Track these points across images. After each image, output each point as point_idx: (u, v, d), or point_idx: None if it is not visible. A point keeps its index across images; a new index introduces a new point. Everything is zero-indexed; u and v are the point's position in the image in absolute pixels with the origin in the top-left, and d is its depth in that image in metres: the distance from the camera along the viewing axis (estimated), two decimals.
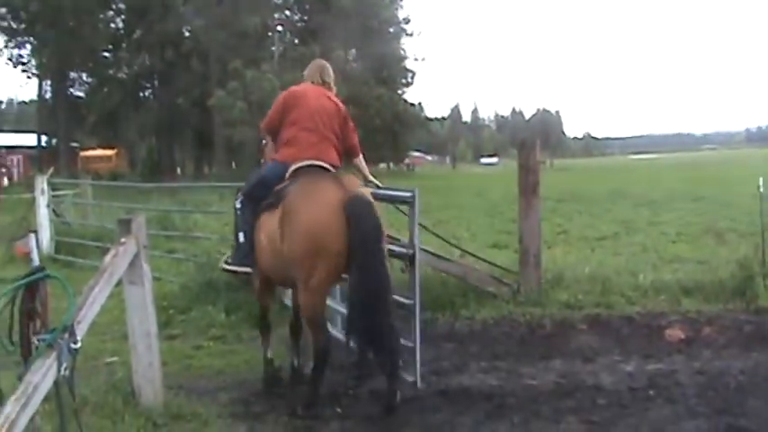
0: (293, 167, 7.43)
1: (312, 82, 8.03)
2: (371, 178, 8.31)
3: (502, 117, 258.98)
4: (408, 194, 7.63)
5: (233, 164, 73.52)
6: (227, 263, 8.06)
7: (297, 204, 6.89)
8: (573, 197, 35.34)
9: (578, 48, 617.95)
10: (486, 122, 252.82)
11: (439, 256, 10.83)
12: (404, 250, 7.81)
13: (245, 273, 7.90)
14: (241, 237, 7.74)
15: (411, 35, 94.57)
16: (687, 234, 19.05)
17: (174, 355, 9.06)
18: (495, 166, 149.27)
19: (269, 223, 7.28)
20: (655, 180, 52.13)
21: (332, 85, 8.11)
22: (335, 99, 7.91)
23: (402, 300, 7.71)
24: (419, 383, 7.47)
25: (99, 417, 6.25)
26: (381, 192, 8.10)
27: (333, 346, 7.27)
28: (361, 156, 8.26)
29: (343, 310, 8.53)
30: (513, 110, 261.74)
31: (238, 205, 7.84)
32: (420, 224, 12.16)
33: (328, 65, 8.28)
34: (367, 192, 7.22)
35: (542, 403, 7.07)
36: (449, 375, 8.01)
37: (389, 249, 7.40)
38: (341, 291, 9.01)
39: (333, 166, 7.53)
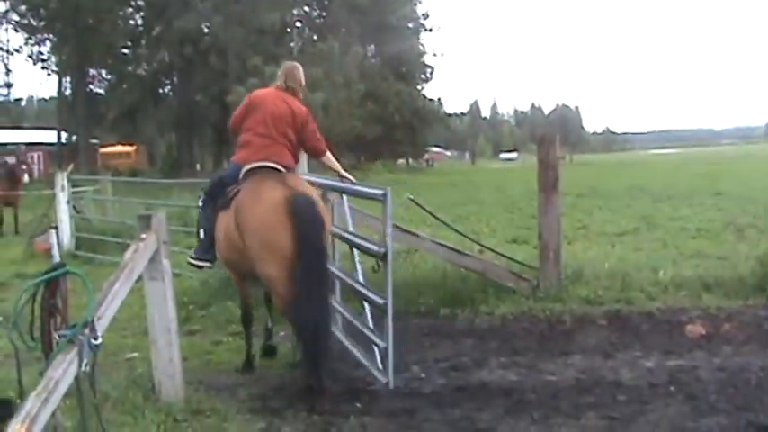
0: (245, 168, 7.93)
1: (277, 86, 8.38)
2: (344, 173, 8.71)
3: (521, 113, 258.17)
4: (380, 192, 7.63)
5: None
6: (191, 257, 8.67)
7: (245, 203, 7.43)
8: (592, 192, 35.23)
9: (598, 43, 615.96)
10: (506, 118, 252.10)
11: (458, 252, 10.85)
12: (375, 248, 7.86)
13: (207, 267, 8.66)
14: (202, 233, 8.43)
15: (430, 31, 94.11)
16: (707, 230, 18.94)
17: (194, 350, 9.10)
18: (515, 161, 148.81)
19: (225, 221, 7.88)
20: (674, 175, 51.94)
21: (296, 89, 8.40)
22: (294, 104, 8.23)
23: (376, 299, 7.78)
24: (391, 384, 7.43)
25: (119, 412, 6.28)
26: (353, 188, 8.50)
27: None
28: (328, 153, 8.63)
29: (344, 310, 8.67)
30: (533, 105, 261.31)
31: (200, 204, 8.62)
32: (439, 219, 12.29)
33: (297, 69, 8.53)
34: (311, 190, 7.67)
35: (562, 399, 7.05)
36: (468, 371, 7.99)
37: (364, 246, 8.04)
38: (341, 290, 9.08)
39: (284, 167, 7.93)
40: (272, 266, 7.14)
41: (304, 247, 7.07)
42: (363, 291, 8.08)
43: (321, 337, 7.14)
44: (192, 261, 8.61)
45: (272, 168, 7.83)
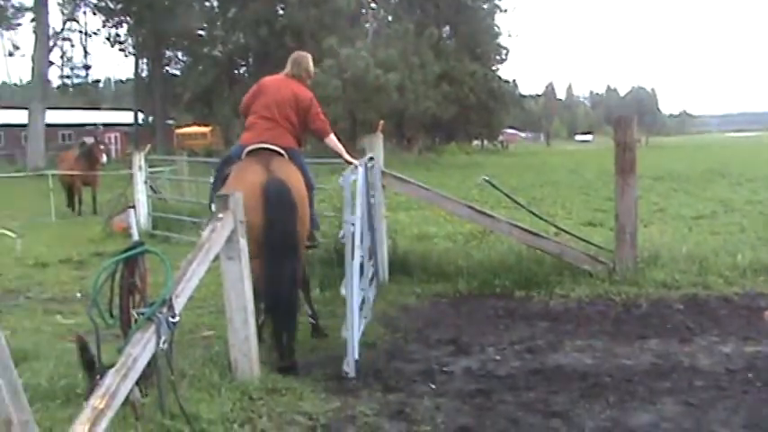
0: (247, 149, 8.36)
1: (285, 74, 8.90)
2: (347, 157, 9.06)
3: (596, 94, 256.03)
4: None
5: None
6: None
7: (230, 185, 7.79)
8: (669, 175, 34.77)
9: (674, 24, 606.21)
10: (581, 100, 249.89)
11: (534, 234, 10.80)
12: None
13: None
14: (212, 207, 8.56)
15: (505, 11, 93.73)
16: None
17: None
18: (590, 143, 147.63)
19: None
20: (752, 158, 51.00)
21: (302, 75, 8.93)
22: (298, 89, 8.71)
23: (343, 288, 7.91)
24: (351, 373, 7.40)
25: (196, 389, 6.34)
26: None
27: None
28: (331, 136, 8.99)
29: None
30: (608, 87, 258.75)
31: (211, 180, 9.25)
32: (515, 201, 12.24)
33: (303, 57, 9.04)
34: (292, 176, 7.98)
35: (638, 384, 6.97)
36: (543, 354, 7.94)
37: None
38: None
39: (284, 148, 8.35)
40: (250, 246, 7.26)
41: (270, 230, 7.57)
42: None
43: (286, 317, 7.69)
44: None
45: (271, 150, 8.24)
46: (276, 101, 8.52)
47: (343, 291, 7.75)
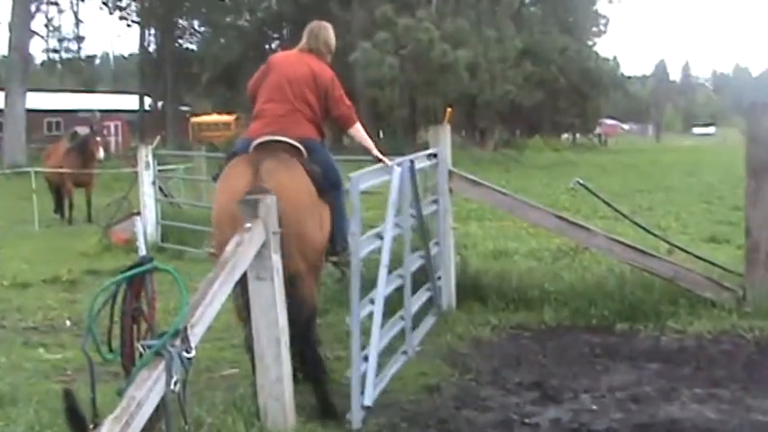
0: (254, 143, 8.21)
1: (300, 48, 8.83)
2: (376, 153, 8.94)
3: (721, 75, 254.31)
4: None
5: (380, 133, 73.74)
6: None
7: (217, 189, 8.04)
8: None
9: None
10: (701, 82, 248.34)
11: (640, 251, 10.72)
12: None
13: None
14: None
15: None
16: None
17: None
18: (712, 137, 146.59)
19: None
20: None
21: (321, 50, 8.82)
22: (317, 65, 8.60)
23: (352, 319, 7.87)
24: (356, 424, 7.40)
25: None
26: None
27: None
28: (356, 125, 8.85)
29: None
30: (737, 66, 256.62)
31: (213, 178, 8.97)
32: (616, 210, 12.17)
33: (323, 28, 8.94)
34: (287, 183, 7.64)
35: None
36: (652, 404, 7.87)
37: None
38: None
39: (301, 140, 8.16)
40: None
41: None
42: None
43: (298, 352, 7.57)
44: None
45: (283, 143, 8.09)
46: (289, 79, 8.39)
47: (348, 320, 7.74)
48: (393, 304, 9.37)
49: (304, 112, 8.32)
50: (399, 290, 9.24)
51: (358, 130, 8.84)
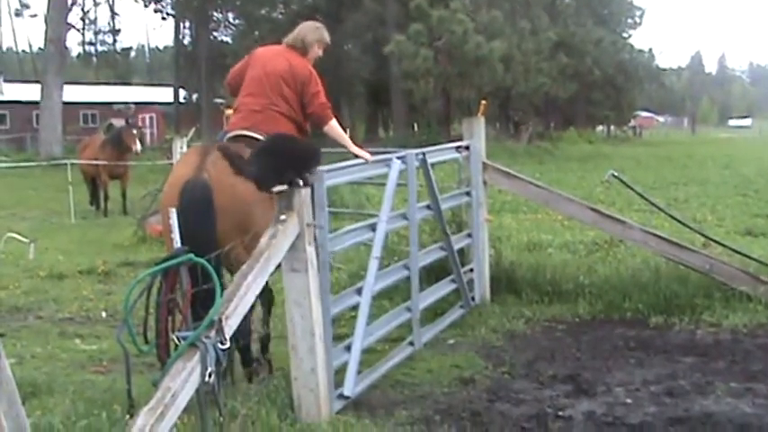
0: (226, 136, 8.52)
1: (286, 43, 8.94)
2: (354, 149, 8.82)
3: (758, 67, 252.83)
4: None
5: (414, 126, 73.53)
6: None
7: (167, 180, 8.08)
8: None
9: None
10: (737, 74, 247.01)
11: (676, 244, 10.68)
12: None
13: None
14: None
15: None
16: None
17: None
18: (749, 129, 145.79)
19: None
20: None
21: (297, 45, 8.87)
22: (296, 60, 8.70)
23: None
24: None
25: None
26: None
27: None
28: (331, 123, 8.76)
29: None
30: None
31: None
32: (651, 203, 12.12)
33: (303, 26, 9.10)
34: (222, 174, 7.65)
35: None
36: (687, 398, 7.85)
37: None
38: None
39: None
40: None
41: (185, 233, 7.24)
42: None
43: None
44: None
45: (249, 138, 8.21)
46: (267, 73, 8.51)
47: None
48: (403, 295, 9.49)
49: (280, 107, 8.45)
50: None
51: (333, 128, 8.77)
